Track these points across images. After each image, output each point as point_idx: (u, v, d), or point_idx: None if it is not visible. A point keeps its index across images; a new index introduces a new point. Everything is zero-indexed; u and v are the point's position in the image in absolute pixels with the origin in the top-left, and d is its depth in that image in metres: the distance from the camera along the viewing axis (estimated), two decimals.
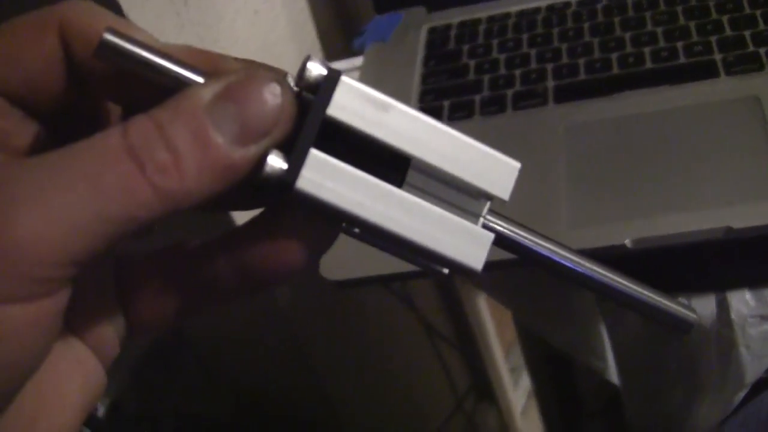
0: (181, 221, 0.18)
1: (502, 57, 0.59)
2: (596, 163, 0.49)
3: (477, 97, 0.57)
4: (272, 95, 0.17)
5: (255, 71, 0.18)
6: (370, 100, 0.18)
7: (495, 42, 0.61)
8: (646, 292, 0.21)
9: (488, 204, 0.19)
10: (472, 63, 0.60)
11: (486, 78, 0.58)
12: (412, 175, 0.19)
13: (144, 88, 0.18)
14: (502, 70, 0.58)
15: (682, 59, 0.54)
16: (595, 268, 0.21)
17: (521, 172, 0.19)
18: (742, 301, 0.46)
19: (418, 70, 0.61)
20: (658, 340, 0.50)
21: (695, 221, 0.43)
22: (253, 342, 0.61)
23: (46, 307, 0.16)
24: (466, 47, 0.61)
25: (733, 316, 0.46)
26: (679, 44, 0.55)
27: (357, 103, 0.18)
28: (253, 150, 0.17)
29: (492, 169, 0.19)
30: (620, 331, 0.52)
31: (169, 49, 0.18)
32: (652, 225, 0.44)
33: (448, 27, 0.64)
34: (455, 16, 0.65)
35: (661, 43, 0.56)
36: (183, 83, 0.18)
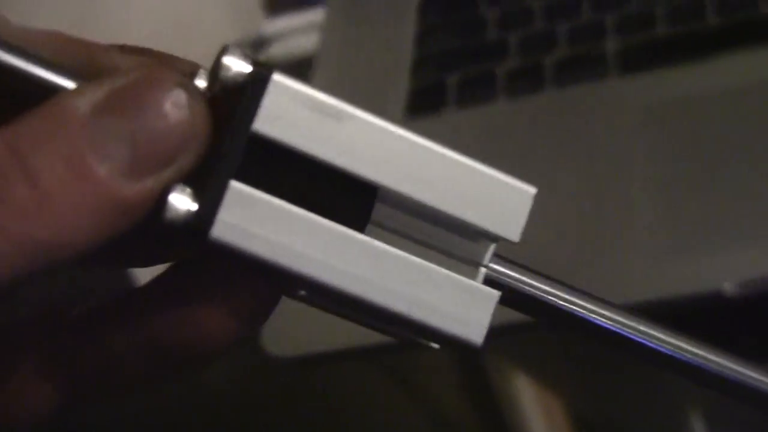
0: (60, 277, 0.20)
1: (538, 4, 0.60)
2: (684, 163, 0.51)
3: (501, 68, 0.58)
4: (176, 107, 0.19)
5: (151, 70, 0.19)
6: (316, 107, 0.19)
7: None
8: (742, 371, 0.23)
9: (492, 248, 0.21)
10: (493, 14, 0.61)
11: (514, 37, 0.59)
12: (379, 212, 0.20)
13: None
14: (539, 24, 0.60)
15: None
16: (658, 335, 0.22)
17: (537, 200, 0.21)
18: None
19: (410, 26, 0.62)
20: None
21: None
22: None
23: None
24: None
25: None
26: None
27: (296, 111, 0.19)
28: (149, 184, 0.19)
29: (495, 198, 0.21)
30: (723, 425, 0.54)
31: (25, 37, 0.20)
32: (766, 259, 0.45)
33: None
34: None
35: None
36: (47, 89, 0.19)
